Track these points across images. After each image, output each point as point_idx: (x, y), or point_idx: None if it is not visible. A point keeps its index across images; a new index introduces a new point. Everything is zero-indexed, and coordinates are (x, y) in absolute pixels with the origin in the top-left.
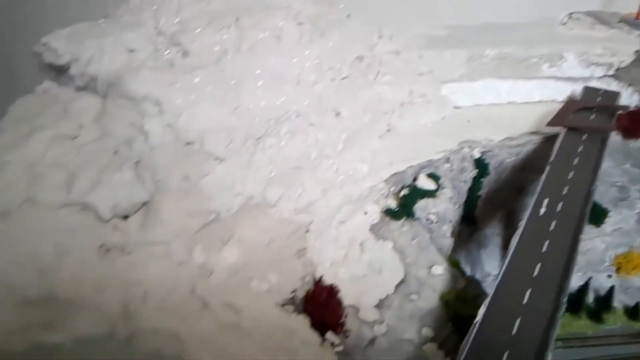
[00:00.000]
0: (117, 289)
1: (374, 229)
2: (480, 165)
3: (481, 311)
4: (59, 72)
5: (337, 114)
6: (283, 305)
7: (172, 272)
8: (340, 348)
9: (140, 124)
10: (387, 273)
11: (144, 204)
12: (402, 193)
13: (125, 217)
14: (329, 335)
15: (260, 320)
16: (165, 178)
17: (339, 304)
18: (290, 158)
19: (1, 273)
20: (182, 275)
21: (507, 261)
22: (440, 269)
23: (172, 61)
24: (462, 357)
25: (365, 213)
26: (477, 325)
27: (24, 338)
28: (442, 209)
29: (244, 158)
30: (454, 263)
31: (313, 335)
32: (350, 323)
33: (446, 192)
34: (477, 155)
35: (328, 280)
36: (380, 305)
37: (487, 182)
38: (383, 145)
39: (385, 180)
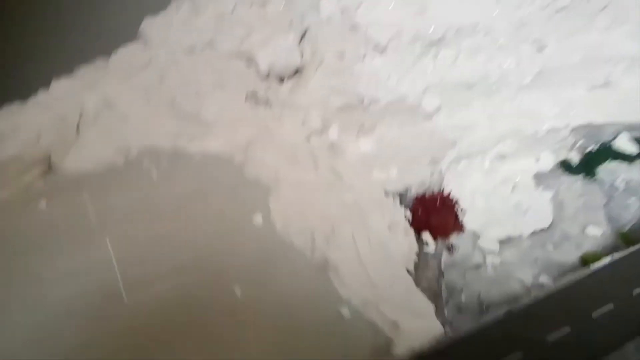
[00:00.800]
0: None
1: (539, 176)
2: None
3: None
4: None
5: (540, 47)
6: (391, 194)
7: (302, 135)
8: (432, 252)
9: (318, 2)
10: (531, 217)
11: (297, 70)
12: (590, 149)
13: (281, 79)
14: (426, 235)
15: (364, 199)
16: (322, 51)
17: (451, 214)
18: (463, 75)
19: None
20: (313, 144)
21: None
22: (597, 231)
23: None
24: None
25: (537, 160)
26: None
27: None
28: (636, 178)
29: (408, 58)
30: (626, 238)
31: (406, 226)
32: (462, 243)
33: None
34: None
35: (460, 202)
36: (506, 242)
37: None
38: (588, 95)
39: (573, 130)
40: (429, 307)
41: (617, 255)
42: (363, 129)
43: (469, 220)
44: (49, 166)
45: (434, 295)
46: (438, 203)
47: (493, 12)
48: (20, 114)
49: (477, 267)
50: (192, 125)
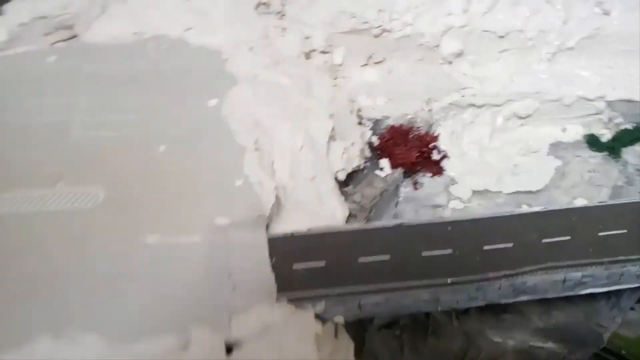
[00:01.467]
0: None
1: (556, 145)
2: None
3: None
4: None
5: (600, 10)
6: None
7: (301, 50)
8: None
9: None
10: (522, 178)
11: None
12: (624, 127)
13: None
14: (384, 162)
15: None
16: None
17: (416, 149)
18: (496, 23)
19: None
20: (313, 61)
21: None
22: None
23: None
24: None
25: (564, 130)
26: None
27: None
28: None
29: None
30: None
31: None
32: (433, 184)
33: None
34: None
35: (445, 147)
36: (481, 193)
37: None
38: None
39: (609, 103)
40: (340, 212)
41: None
42: (371, 59)
43: (451, 165)
44: (71, 34)
45: (360, 209)
46: (410, 136)
47: None
48: None
49: (435, 207)
50: (200, 21)
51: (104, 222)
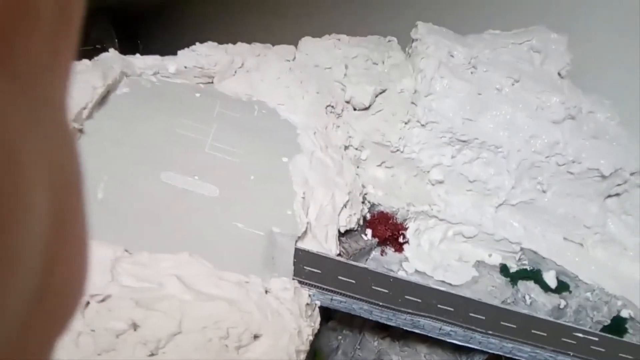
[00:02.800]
0: None
1: (480, 263)
2: None
3: None
4: None
5: (540, 190)
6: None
7: (341, 142)
8: (366, 239)
9: None
10: (448, 273)
11: (366, 108)
12: (526, 267)
13: (354, 108)
14: (369, 231)
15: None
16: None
17: (389, 233)
18: (471, 172)
19: None
20: (345, 151)
21: None
22: None
23: None
24: None
25: (490, 255)
26: None
27: None
28: (540, 301)
29: (437, 141)
30: None
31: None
32: (393, 257)
33: None
34: None
35: (408, 236)
36: (419, 273)
37: None
38: (556, 239)
39: (522, 249)
40: (334, 249)
41: None
42: (384, 164)
43: (409, 249)
44: (209, 81)
45: (345, 253)
46: (388, 222)
47: (517, 144)
48: None
49: (389, 270)
50: (289, 102)
51: (215, 207)
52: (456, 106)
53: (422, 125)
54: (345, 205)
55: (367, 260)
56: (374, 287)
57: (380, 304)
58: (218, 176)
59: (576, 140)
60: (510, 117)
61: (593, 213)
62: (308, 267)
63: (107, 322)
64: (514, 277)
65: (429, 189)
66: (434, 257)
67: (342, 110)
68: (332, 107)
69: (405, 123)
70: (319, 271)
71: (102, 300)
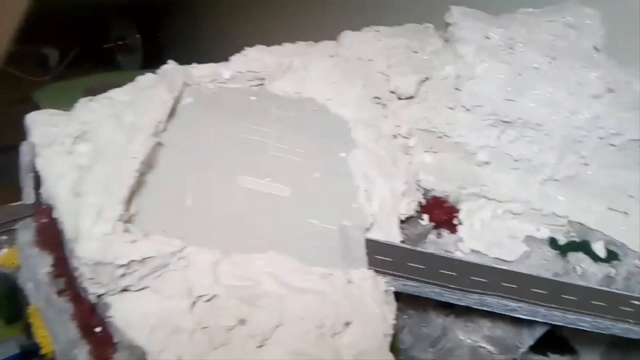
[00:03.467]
0: None
1: (529, 238)
2: None
3: None
4: None
5: (583, 164)
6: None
7: (390, 133)
8: (423, 224)
9: None
10: (501, 250)
11: (410, 97)
12: (574, 239)
13: (399, 98)
14: (425, 216)
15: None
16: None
17: (445, 216)
18: (515, 151)
19: None
20: (394, 139)
21: None
22: None
23: None
24: None
25: (538, 230)
26: None
27: None
28: (591, 271)
29: (484, 123)
30: None
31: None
32: (448, 238)
33: None
34: None
35: (460, 216)
36: (474, 252)
37: None
38: (599, 208)
39: (569, 222)
40: (397, 236)
41: None
42: (431, 149)
43: (462, 230)
44: (260, 83)
45: (407, 239)
46: (443, 205)
47: (559, 121)
48: None
49: (446, 251)
50: (337, 97)
51: (290, 206)
52: (498, 88)
53: (467, 110)
54: (403, 194)
55: (425, 243)
56: (441, 271)
57: (450, 286)
58: (286, 176)
59: (616, 112)
60: (550, 95)
61: (636, 182)
62: (380, 256)
63: (218, 319)
64: (563, 250)
65: (477, 170)
66: (486, 236)
67: (388, 101)
68: (378, 98)
69: (451, 109)
70: (390, 259)
71: (209, 300)
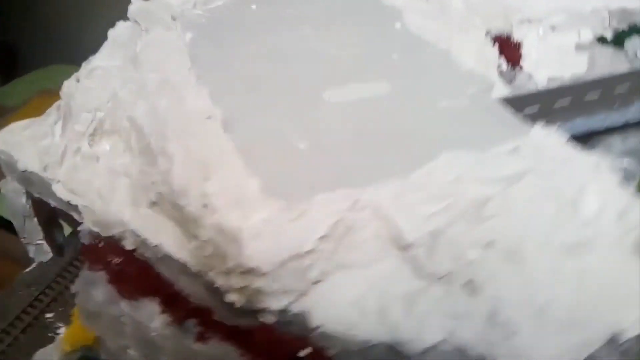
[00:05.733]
0: None
1: (579, 46)
2: None
3: None
4: None
5: None
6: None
7: None
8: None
9: None
10: (568, 64)
11: None
12: (622, 28)
13: None
14: (502, 59)
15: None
16: None
17: (514, 51)
18: None
19: None
20: None
21: None
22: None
23: None
24: None
25: (579, 35)
26: None
27: None
28: None
29: None
30: None
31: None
32: (521, 76)
33: None
34: None
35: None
36: (551, 80)
37: None
38: None
39: (610, 12)
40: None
41: None
42: None
43: (523, 65)
44: None
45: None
46: (510, 43)
47: None
48: None
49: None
50: None
51: (400, 100)
52: None
53: None
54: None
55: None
56: (575, 101)
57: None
58: (367, 71)
59: None
60: None
61: None
62: (527, 109)
63: (460, 252)
64: (616, 42)
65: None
66: (545, 60)
67: None
68: None
69: None
70: (536, 110)
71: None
